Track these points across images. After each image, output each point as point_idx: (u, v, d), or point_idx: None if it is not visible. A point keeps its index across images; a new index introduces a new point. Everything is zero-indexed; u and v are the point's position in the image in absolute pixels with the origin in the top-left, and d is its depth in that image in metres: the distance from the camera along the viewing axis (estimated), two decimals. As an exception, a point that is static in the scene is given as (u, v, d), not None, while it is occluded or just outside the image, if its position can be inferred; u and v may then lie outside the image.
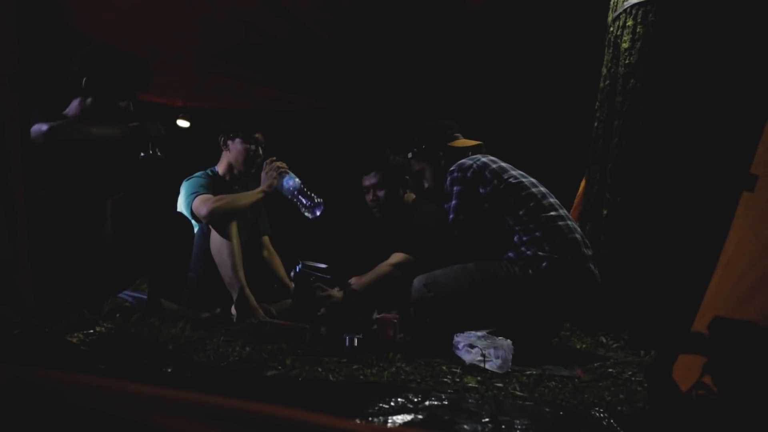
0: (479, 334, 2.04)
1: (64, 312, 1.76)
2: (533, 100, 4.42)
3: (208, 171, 3.06)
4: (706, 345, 1.41)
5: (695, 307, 1.47)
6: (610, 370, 2.01)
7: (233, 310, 2.72)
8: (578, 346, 2.55)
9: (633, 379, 1.88)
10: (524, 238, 2.37)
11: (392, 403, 1.39)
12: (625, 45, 2.91)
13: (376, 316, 2.40)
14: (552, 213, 2.40)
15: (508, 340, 1.98)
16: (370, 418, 1.29)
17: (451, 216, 2.51)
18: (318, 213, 2.79)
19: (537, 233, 2.36)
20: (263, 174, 2.90)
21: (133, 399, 0.74)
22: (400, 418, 1.30)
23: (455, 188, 2.52)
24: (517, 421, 1.31)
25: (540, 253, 2.32)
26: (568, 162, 3.66)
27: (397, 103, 4.55)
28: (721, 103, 2.61)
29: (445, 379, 1.76)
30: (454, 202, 2.51)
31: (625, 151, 2.86)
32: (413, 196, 3.07)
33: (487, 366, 1.89)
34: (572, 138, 3.66)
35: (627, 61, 2.90)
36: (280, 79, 4.25)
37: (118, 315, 2.11)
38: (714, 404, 1.29)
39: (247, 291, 2.70)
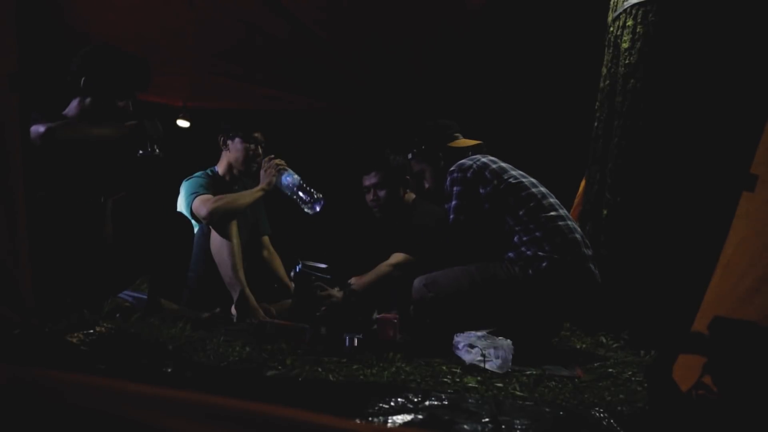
0: (479, 334, 2.04)
1: (64, 312, 1.76)
2: (533, 100, 4.42)
3: (208, 171, 3.06)
4: (706, 345, 1.41)
5: (695, 307, 1.47)
6: (610, 370, 2.01)
7: (233, 310, 2.72)
8: (578, 346, 2.54)
9: (633, 379, 1.88)
10: (524, 238, 2.38)
11: (392, 403, 1.39)
12: (625, 45, 2.91)
13: (376, 316, 2.40)
14: (552, 213, 2.41)
15: (508, 340, 1.97)
16: (370, 418, 1.29)
17: (451, 216, 2.51)
18: (318, 208, 2.78)
19: (537, 233, 2.36)
20: (262, 172, 2.90)
21: (133, 399, 0.74)
22: (400, 418, 1.30)
23: (455, 188, 2.52)
24: (517, 421, 1.31)
25: (540, 253, 2.32)
26: (568, 162, 3.66)
27: (397, 103, 4.55)
28: (721, 103, 2.61)
29: (445, 379, 1.76)
30: (454, 202, 2.51)
31: (625, 151, 2.86)
32: (413, 196, 3.07)
33: (487, 366, 1.89)
34: (572, 138, 3.66)
35: (627, 61, 2.90)
36: (280, 79, 4.25)
37: (118, 315, 2.11)
38: (714, 404, 1.29)
39: (247, 291, 2.70)
